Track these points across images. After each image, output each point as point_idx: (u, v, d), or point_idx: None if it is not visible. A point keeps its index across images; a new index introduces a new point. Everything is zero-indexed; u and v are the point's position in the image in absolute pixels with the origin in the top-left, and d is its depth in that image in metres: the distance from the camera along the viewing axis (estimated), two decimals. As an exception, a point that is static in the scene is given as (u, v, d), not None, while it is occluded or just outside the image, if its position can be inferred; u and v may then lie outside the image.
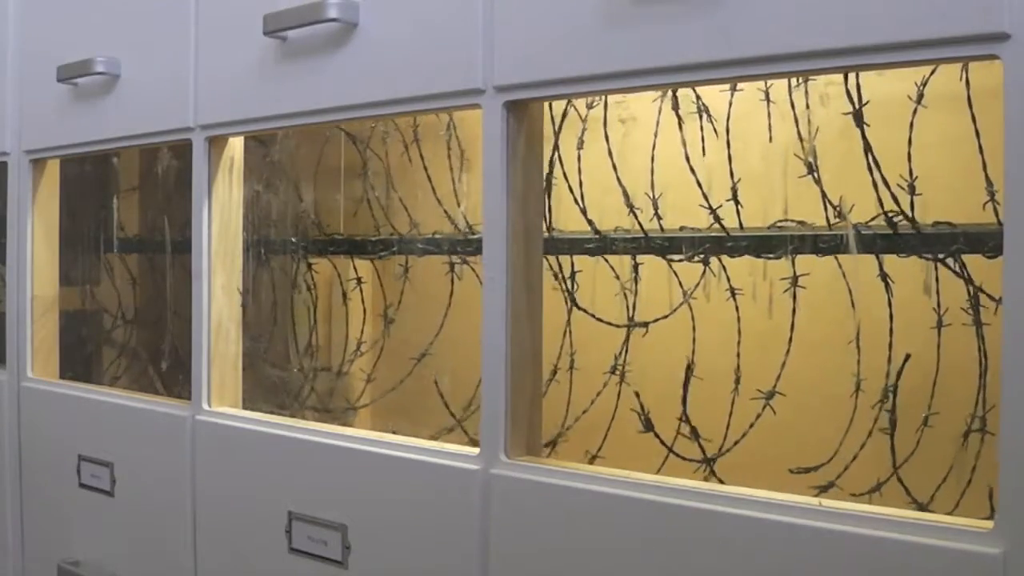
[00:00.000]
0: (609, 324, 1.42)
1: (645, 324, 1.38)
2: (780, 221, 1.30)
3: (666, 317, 1.38)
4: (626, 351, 1.39)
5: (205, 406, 1.32)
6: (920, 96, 1.19)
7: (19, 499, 1.63)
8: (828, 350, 1.28)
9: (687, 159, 1.35)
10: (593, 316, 1.43)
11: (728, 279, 1.33)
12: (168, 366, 1.81)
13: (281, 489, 1.20)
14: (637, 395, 1.34)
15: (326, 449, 1.15)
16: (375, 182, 1.73)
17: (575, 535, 0.94)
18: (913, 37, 0.76)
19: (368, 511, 1.11)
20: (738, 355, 1.32)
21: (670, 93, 1.34)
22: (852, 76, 1.17)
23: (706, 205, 1.34)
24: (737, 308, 1.32)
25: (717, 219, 1.34)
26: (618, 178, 1.42)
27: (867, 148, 1.20)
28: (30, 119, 1.60)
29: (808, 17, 0.80)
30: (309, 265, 1.81)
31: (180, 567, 1.33)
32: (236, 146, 1.35)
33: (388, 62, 1.09)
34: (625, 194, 1.41)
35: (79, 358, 1.85)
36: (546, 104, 1.20)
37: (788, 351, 1.27)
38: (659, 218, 1.39)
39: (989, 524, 0.73)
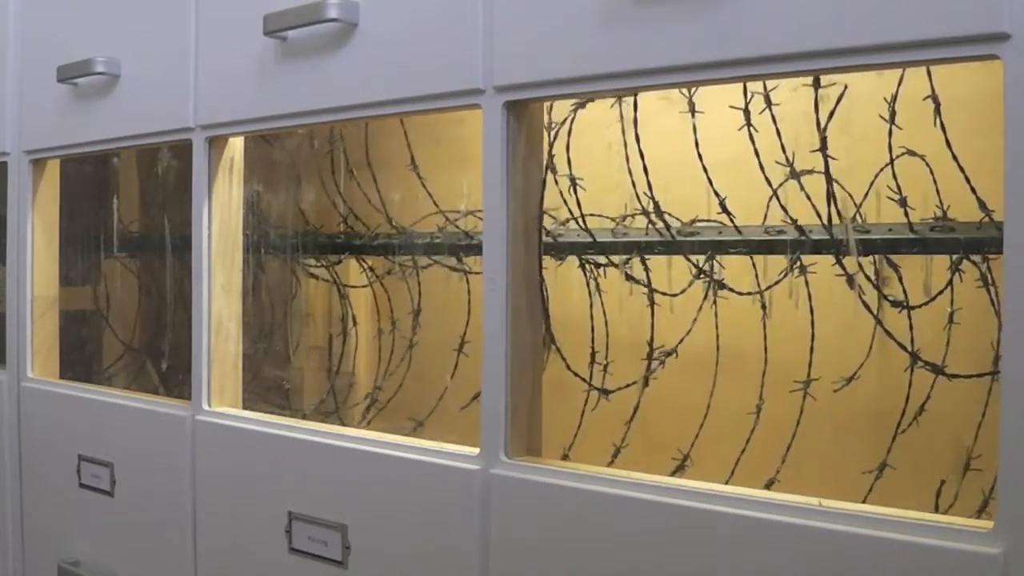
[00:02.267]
0: (630, 385, 1.43)
1: (671, 352, 1.40)
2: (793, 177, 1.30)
3: (689, 332, 1.39)
4: (646, 383, 1.40)
5: (205, 406, 1.32)
6: (892, 115, 1.20)
7: (19, 499, 1.63)
8: (830, 347, 1.29)
9: (635, 164, 1.37)
10: (619, 387, 1.44)
11: (757, 277, 1.34)
12: (168, 366, 1.81)
13: (281, 489, 1.20)
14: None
15: (326, 449, 1.15)
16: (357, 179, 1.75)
17: (575, 535, 0.93)
18: (913, 37, 0.76)
19: (368, 511, 1.11)
20: (764, 356, 1.32)
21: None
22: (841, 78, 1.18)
23: (655, 226, 1.35)
24: (764, 307, 1.33)
25: (665, 231, 1.35)
26: (572, 177, 1.43)
27: (824, 150, 1.21)
28: (30, 119, 1.60)
29: (808, 17, 0.80)
30: (332, 264, 1.82)
31: (180, 567, 1.33)
32: (236, 146, 1.35)
33: (388, 62, 1.09)
34: (581, 208, 1.43)
35: (79, 358, 1.85)
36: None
37: (813, 337, 1.27)
38: (652, 224, 1.40)
39: (989, 524, 0.73)
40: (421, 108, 1.09)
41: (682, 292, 1.39)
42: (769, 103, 1.26)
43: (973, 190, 1.14)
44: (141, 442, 1.39)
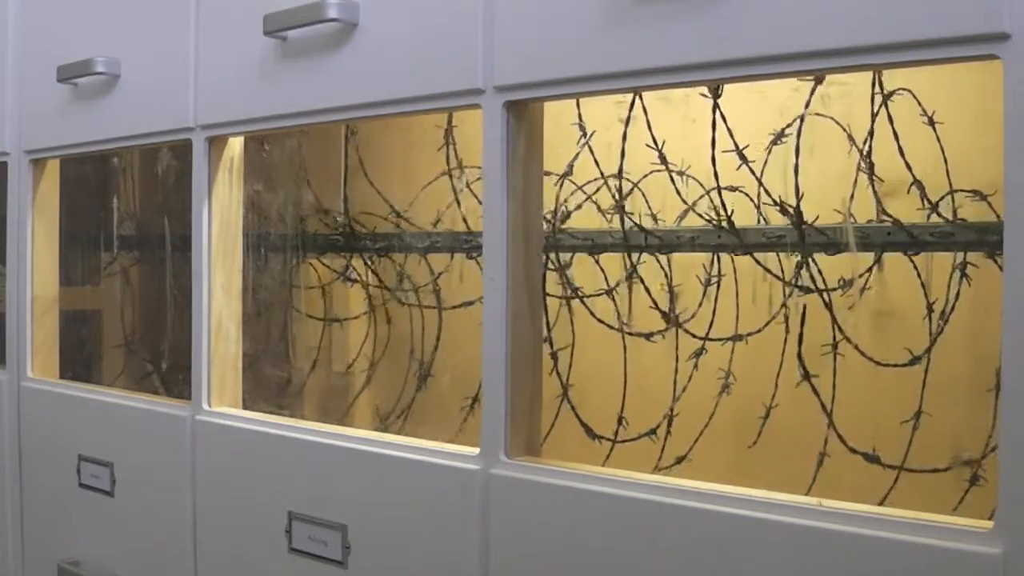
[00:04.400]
0: (643, 435, 1.45)
1: (700, 352, 1.40)
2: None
3: (706, 337, 1.39)
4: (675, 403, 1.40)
5: (205, 406, 1.32)
6: (871, 139, 1.20)
7: (19, 499, 1.63)
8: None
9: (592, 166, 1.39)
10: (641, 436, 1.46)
11: (787, 282, 1.34)
12: (168, 366, 1.81)
13: (281, 489, 1.20)
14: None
15: (326, 449, 1.15)
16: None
17: (575, 535, 0.93)
18: (913, 37, 0.76)
19: (368, 511, 1.11)
20: (800, 356, 1.32)
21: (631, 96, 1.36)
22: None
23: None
24: (803, 309, 1.33)
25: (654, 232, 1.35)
26: (558, 178, 1.44)
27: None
28: (30, 119, 1.60)
29: (808, 17, 0.80)
30: (350, 264, 1.82)
31: (180, 567, 1.33)
32: (236, 146, 1.35)
33: (388, 62, 1.09)
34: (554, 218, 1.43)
35: (79, 358, 1.85)
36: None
37: (830, 306, 1.27)
38: (647, 232, 1.41)
39: (989, 524, 0.73)
40: (421, 108, 1.09)
41: (692, 317, 1.39)
42: (735, 137, 1.27)
43: (936, 210, 1.15)
44: (141, 442, 1.39)
